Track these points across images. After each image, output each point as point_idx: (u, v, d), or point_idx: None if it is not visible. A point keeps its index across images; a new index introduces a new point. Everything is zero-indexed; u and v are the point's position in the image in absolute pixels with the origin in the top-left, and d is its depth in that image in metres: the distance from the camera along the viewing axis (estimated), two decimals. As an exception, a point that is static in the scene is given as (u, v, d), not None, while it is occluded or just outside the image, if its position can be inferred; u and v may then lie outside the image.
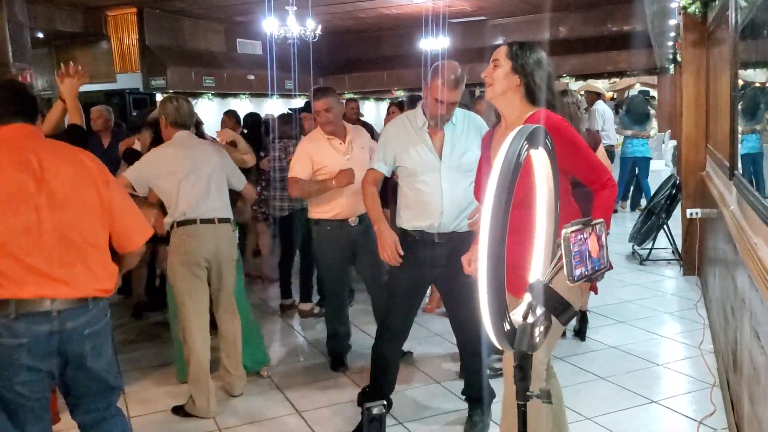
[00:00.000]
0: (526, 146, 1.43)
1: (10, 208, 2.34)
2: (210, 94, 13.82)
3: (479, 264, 1.35)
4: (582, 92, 9.20)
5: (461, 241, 3.38)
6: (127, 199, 2.70)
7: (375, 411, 1.35)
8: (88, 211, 2.49)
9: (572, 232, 1.46)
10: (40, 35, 11.85)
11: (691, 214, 6.06)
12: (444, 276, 3.56)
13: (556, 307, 1.46)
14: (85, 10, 12.41)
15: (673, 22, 8.35)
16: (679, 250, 7.15)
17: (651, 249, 7.38)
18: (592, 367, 4.49)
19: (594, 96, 10.00)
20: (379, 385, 3.69)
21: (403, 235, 3.52)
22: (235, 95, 14.69)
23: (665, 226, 7.29)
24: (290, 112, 6.86)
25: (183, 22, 13.83)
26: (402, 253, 3.48)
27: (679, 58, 7.81)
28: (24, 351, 2.31)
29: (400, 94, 16.30)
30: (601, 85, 16.86)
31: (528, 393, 1.54)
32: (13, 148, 2.45)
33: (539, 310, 1.47)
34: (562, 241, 1.43)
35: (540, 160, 1.59)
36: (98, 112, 6.52)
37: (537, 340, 1.47)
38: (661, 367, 4.51)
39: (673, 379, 4.33)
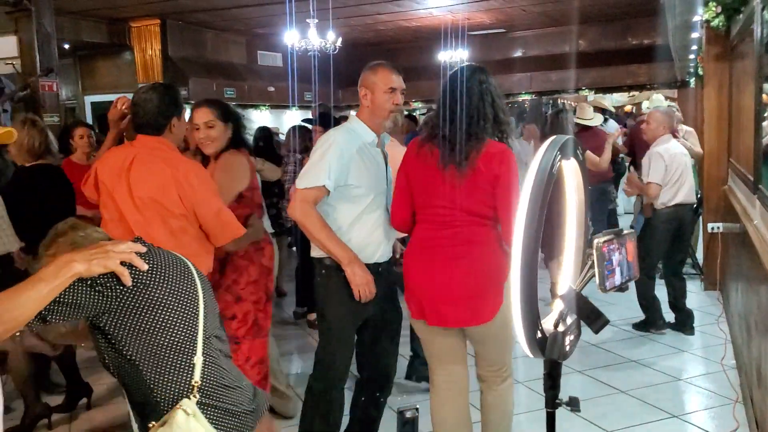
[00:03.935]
0: (559, 157, 1.45)
1: None
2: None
3: (512, 273, 1.37)
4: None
5: (389, 269, 3.19)
6: None
7: (408, 414, 1.37)
8: None
9: (604, 242, 1.48)
10: (66, 46, 12.03)
11: (713, 228, 6.02)
12: (380, 307, 3.15)
13: (589, 315, 1.48)
14: (109, 21, 12.60)
15: (695, 35, 8.33)
16: (700, 264, 7.10)
17: (672, 263, 7.33)
18: (612, 380, 4.48)
19: (600, 112, 9.87)
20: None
21: (338, 267, 2.94)
22: (255, 106, 14.81)
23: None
24: (303, 124, 6.92)
25: (205, 34, 13.99)
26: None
27: (701, 72, 7.78)
28: None
29: (418, 105, 16.35)
30: (619, 98, 16.82)
31: (557, 401, 1.55)
32: None
33: (570, 319, 1.49)
34: (594, 251, 1.45)
35: (570, 171, 1.61)
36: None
37: (567, 348, 1.49)
38: (683, 382, 4.49)
39: (695, 394, 4.31)
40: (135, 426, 1.88)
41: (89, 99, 13.48)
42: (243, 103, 13.96)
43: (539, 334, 1.45)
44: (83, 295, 1.67)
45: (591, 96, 16.20)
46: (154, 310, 1.76)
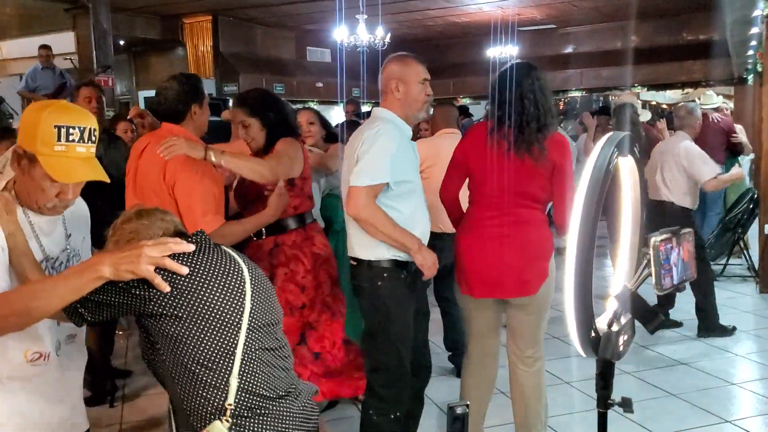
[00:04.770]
0: (616, 154, 1.43)
1: None
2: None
3: (567, 272, 1.36)
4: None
5: None
6: None
7: (458, 411, 1.37)
8: None
9: (661, 241, 1.45)
10: (121, 42, 12.31)
11: (770, 229, 5.85)
12: (420, 299, 3.18)
13: (644, 315, 1.46)
14: (163, 17, 12.86)
15: (755, 30, 8.09)
16: (756, 266, 6.91)
17: (725, 265, 7.15)
18: (662, 382, 4.39)
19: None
20: None
21: (400, 266, 2.95)
22: (303, 102, 14.95)
23: (741, 242, 7.06)
24: (355, 119, 6.92)
25: (255, 30, 14.16)
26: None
27: (759, 69, 7.55)
28: None
29: (466, 102, 16.26)
30: (673, 95, 16.44)
31: (609, 401, 1.54)
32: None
33: (624, 318, 1.47)
34: (650, 250, 1.43)
35: (627, 168, 1.58)
36: None
37: (621, 348, 1.47)
38: (736, 387, 4.38)
39: (748, 400, 4.20)
40: (173, 425, 1.82)
41: (143, 94, 13.79)
42: (292, 99, 14.09)
43: (593, 334, 1.43)
44: (115, 297, 1.63)
45: (644, 93, 15.90)
46: (191, 318, 1.66)
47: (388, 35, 11.81)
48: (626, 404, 1.58)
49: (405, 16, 13.42)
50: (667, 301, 5.41)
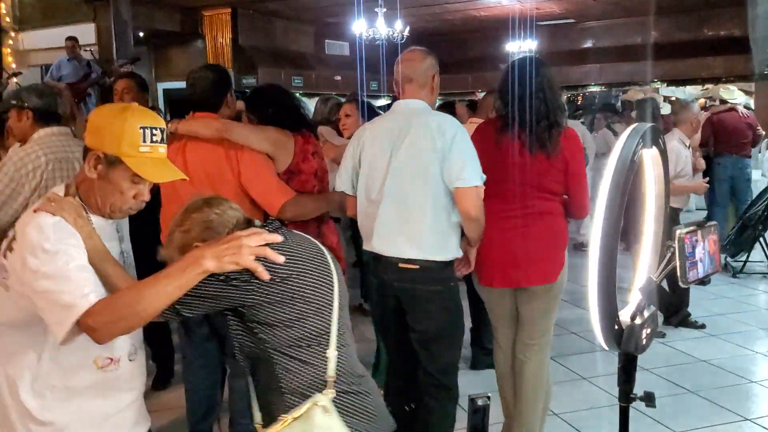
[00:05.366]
0: (641, 145, 1.42)
1: None
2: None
3: (590, 264, 1.35)
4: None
5: None
6: None
7: (479, 402, 1.36)
8: None
9: (686, 233, 1.44)
10: (141, 34, 12.37)
11: (793, 227, 5.78)
12: None
13: (668, 308, 1.45)
14: (183, 10, 12.90)
15: (777, 26, 7.98)
16: (778, 264, 6.84)
17: (745, 261, 7.08)
18: (681, 380, 4.36)
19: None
20: None
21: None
22: (321, 95, 14.95)
23: (761, 239, 6.98)
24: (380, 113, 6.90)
25: (275, 23, 14.18)
26: None
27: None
28: None
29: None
30: (693, 91, 16.27)
31: (632, 396, 1.53)
32: None
33: (648, 311, 1.45)
34: (675, 243, 1.42)
35: (651, 160, 1.57)
36: None
37: (644, 341, 1.46)
38: (756, 384, 4.34)
39: (769, 397, 4.16)
40: (256, 414, 1.85)
41: (162, 86, 13.84)
42: (310, 92, 14.11)
43: (616, 327, 1.42)
44: (218, 290, 1.67)
45: (663, 88, 15.76)
46: (290, 302, 1.73)
47: (407, 29, 11.79)
48: (649, 398, 1.57)
49: (424, 10, 13.37)
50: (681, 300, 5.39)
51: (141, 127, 1.68)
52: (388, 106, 6.96)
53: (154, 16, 12.39)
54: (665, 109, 7.11)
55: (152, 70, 14.03)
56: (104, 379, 1.80)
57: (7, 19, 11.61)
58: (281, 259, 1.67)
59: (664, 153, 1.58)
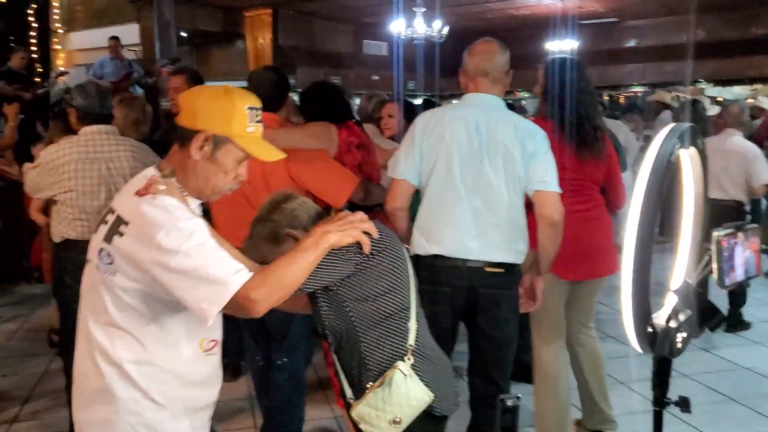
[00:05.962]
0: (678, 145, 1.39)
1: None
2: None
3: (624, 265, 1.32)
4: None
5: None
6: None
7: (509, 403, 1.35)
8: None
9: (724, 236, 1.40)
10: (183, 34, 12.56)
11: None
12: None
13: (704, 312, 1.41)
14: (225, 10, 13.07)
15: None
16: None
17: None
18: (722, 387, 4.25)
19: (659, 106, 9.26)
20: None
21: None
22: (359, 95, 15.01)
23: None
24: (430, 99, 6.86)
25: (314, 23, 14.28)
26: None
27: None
28: None
29: (525, 95, 16.05)
30: (740, 91, 15.91)
31: (665, 399, 1.49)
32: None
33: (684, 315, 1.42)
34: (713, 245, 1.38)
35: (689, 160, 1.53)
36: None
37: (680, 345, 1.42)
38: (802, 394, 4.21)
39: (814, 408, 4.03)
40: (347, 390, 1.97)
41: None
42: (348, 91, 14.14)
43: (649, 329, 1.39)
44: (333, 264, 1.81)
45: (709, 89, 15.43)
46: (380, 277, 1.89)
47: (446, 28, 11.75)
48: (684, 404, 1.54)
49: (463, 9, 13.31)
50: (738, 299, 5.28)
51: (249, 108, 1.71)
52: (426, 102, 6.91)
53: (196, 17, 12.59)
54: (713, 110, 6.95)
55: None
56: (206, 363, 1.82)
57: (57, 22, 11.92)
58: (376, 234, 1.82)
59: (703, 153, 1.54)
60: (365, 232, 1.78)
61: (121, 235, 1.64)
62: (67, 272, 3.38)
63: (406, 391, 1.84)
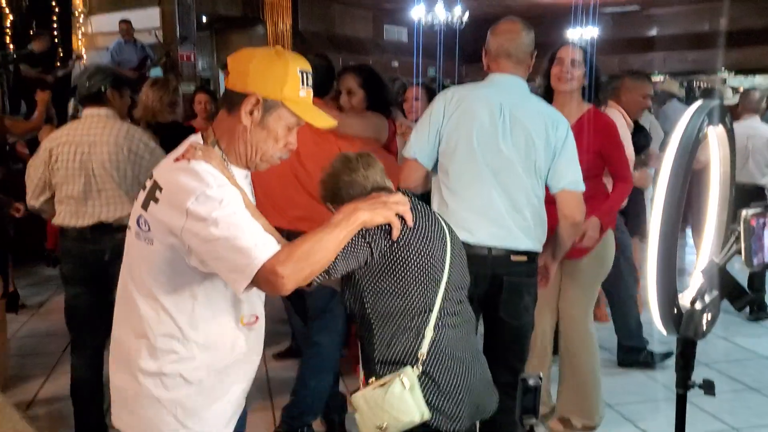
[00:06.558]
0: (706, 122, 1.37)
1: None
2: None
3: (650, 246, 1.31)
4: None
5: None
6: None
7: (531, 382, 1.34)
8: None
9: (753, 215, 1.38)
10: (204, 19, 12.57)
11: None
12: None
13: (731, 292, 1.39)
14: (245, -5, 13.09)
15: None
16: None
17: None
18: (741, 375, 4.22)
19: (667, 95, 9.04)
20: None
21: None
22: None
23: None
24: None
25: (333, 9, 14.25)
26: None
27: None
28: None
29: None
30: (763, 81, 15.66)
31: (689, 382, 1.48)
32: None
33: (709, 296, 1.40)
34: (741, 224, 1.36)
35: (717, 139, 1.51)
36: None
37: (705, 327, 1.41)
38: (825, 384, 4.17)
39: (836, 398, 3.99)
40: (362, 373, 1.93)
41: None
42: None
43: (675, 310, 1.38)
44: (357, 248, 1.72)
45: (731, 78, 15.22)
46: (401, 272, 1.77)
47: (466, 14, 11.67)
48: (708, 386, 1.52)
49: (485, -5, 13.22)
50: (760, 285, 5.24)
51: (300, 71, 1.62)
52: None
53: (216, 2, 12.60)
54: (733, 99, 6.86)
55: (214, 53, 14.26)
56: (246, 338, 1.75)
57: (78, 6, 11.98)
58: (410, 221, 1.74)
59: (731, 132, 1.52)
60: (400, 216, 1.70)
61: (156, 201, 1.58)
62: (61, 259, 3.42)
63: (399, 403, 1.72)
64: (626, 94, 4.28)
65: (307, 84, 1.65)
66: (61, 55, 10.22)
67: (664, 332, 1.43)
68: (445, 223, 1.93)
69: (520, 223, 2.56)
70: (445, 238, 1.88)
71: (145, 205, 1.62)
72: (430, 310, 1.80)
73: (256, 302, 1.77)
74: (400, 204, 1.70)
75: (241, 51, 1.72)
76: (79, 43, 11.43)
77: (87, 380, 3.40)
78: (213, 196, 1.51)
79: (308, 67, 1.66)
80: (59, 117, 5.78)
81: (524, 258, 2.61)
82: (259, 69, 1.62)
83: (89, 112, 3.31)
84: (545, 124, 2.56)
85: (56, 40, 10.14)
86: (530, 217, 2.60)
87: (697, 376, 1.87)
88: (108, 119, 3.27)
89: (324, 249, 1.55)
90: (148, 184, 1.64)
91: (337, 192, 1.90)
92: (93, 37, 12.46)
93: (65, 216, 3.28)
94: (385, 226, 1.71)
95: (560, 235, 2.69)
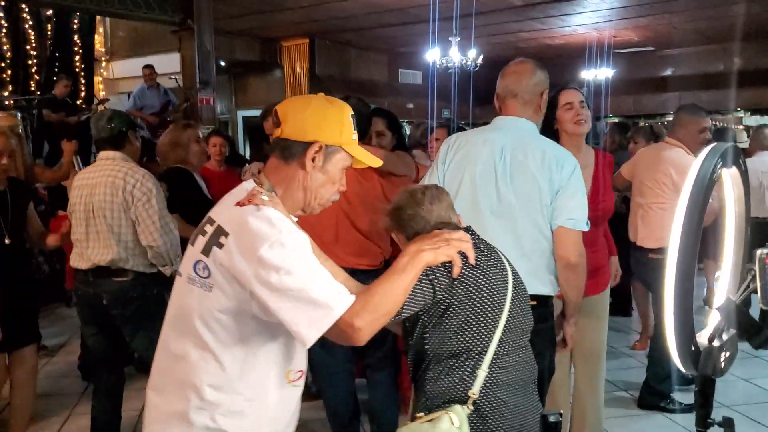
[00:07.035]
0: (720, 164, 1.40)
1: None
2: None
3: (668, 283, 1.33)
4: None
5: None
6: None
7: (551, 419, 1.35)
8: None
9: (767, 254, 1.41)
10: (222, 64, 12.85)
11: None
12: None
13: (748, 329, 1.41)
14: (262, 40, 13.35)
15: None
16: None
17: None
18: (762, 418, 4.18)
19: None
20: None
21: None
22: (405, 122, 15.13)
23: None
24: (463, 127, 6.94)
25: (350, 53, 14.48)
26: None
27: None
28: None
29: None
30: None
31: (709, 420, 1.48)
32: None
33: (727, 334, 1.42)
34: (756, 264, 1.38)
35: (731, 181, 1.54)
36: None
37: (723, 365, 1.42)
38: None
39: None
40: (411, 406, 1.94)
41: (241, 113, 14.28)
42: (383, 120, 14.23)
43: (692, 348, 1.39)
44: (422, 287, 1.73)
45: (747, 118, 15.22)
46: (459, 309, 1.77)
47: (481, 56, 11.82)
48: (728, 424, 1.52)
49: (498, 39, 13.39)
50: None
51: (351, 116, 1.69)
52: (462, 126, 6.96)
53: (235, 47, 12.86)
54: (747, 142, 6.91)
55: (233, 97, 14.50)
56: (290, 397, 1.70)
57: (101, 50, 12.28)
58: (473, 259, 1.74)
59: (744, 174, 1.55)
60: (461, 254, 1.70)
61: (221, 246, 1.54)
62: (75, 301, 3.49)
63: None
64: (682, 130, 4.21)
65: (356, 127, 1.71)
66: (83, 98, 10.47)
67: (683, 369, 1.44)
68: (508, 264, 1.92)
69: (526, 267, 2.40)
70: (507, 278, 1.87)
71: (206, 251, 1.58)
72: (486, 350, 1.78)
73: (302, 357, 1.72)
74: (463, 241, 1.71)
75: (290, 100, 1.74)
76: (100, 87, 11.70)
77: (106, 422, 3.42)
78: (287, 243, 1.49)
79: (352, 112, 1.72)
80: (83, 160, 5.89)
81: (534, 303, 2.45)
82: (317, 117, 1.65)
83: (103, 155, 3.37)
84: (549, 164, 2.51)
85: (79, 85, 10.39)
86: (538, 260, 2.54)
87: (717, 416, 1.86)
88: (116, 162, 3.31)
89: (395, 295, 1.55)
90: (209, 228, 1.60)
91: (402, 224, 1.94)
92: (114, 82, 12.77)
93: (74, 258, 3.38)
94: (446, 263, 1.72)
95: (560, 283, 2.57)
